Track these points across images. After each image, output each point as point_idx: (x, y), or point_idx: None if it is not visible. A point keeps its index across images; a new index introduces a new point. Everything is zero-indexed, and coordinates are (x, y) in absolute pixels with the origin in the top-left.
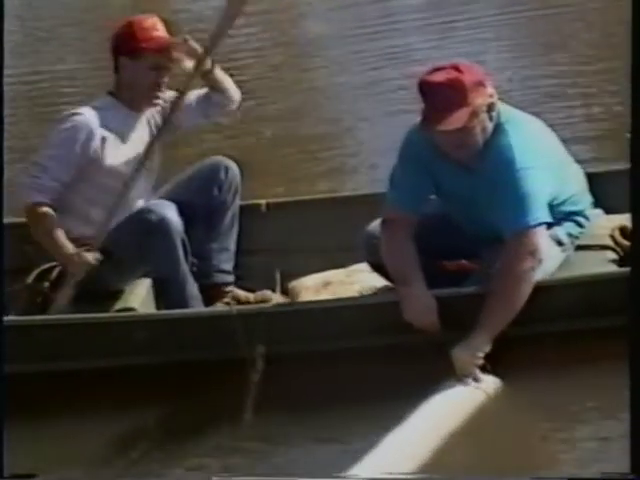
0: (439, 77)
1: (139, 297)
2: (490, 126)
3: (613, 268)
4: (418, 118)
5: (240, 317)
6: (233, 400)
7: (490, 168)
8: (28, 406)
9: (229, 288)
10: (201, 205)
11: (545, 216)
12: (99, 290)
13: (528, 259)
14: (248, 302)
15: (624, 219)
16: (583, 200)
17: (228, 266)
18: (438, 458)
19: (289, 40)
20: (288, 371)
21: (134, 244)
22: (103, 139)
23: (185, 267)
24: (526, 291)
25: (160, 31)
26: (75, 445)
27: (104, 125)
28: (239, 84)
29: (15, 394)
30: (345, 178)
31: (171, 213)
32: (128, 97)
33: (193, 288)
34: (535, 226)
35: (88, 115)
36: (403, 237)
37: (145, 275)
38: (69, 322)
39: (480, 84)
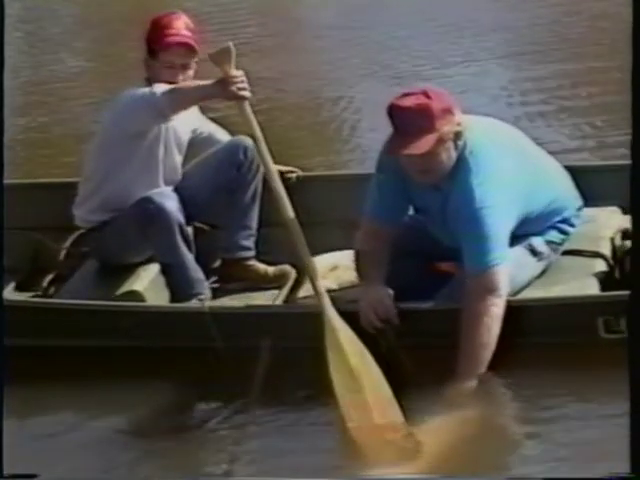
0: (408, 102)
1: (148, 277)
2: (454, 155)
3: (592, 282)
4: None
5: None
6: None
7: (452, 201)
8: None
9: (249, 262)
10: (221, 185)
11: (504, 256)
12: (114, 264)
13: (488, 298)
14: (266, 276)
15: None
16: (567, 205)
17: (248, 242)
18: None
19: None
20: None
21: (137, 231)
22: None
23: (185, 254)
24: (493, 326)
25: (175, 29)
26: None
27: None
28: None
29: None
30: None
31: (170, 203)
32: None
33: (195, 272)
34: (494, 266)
35: None
36: (376, 244)
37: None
38: (58, 306)
39: (448, 111)
